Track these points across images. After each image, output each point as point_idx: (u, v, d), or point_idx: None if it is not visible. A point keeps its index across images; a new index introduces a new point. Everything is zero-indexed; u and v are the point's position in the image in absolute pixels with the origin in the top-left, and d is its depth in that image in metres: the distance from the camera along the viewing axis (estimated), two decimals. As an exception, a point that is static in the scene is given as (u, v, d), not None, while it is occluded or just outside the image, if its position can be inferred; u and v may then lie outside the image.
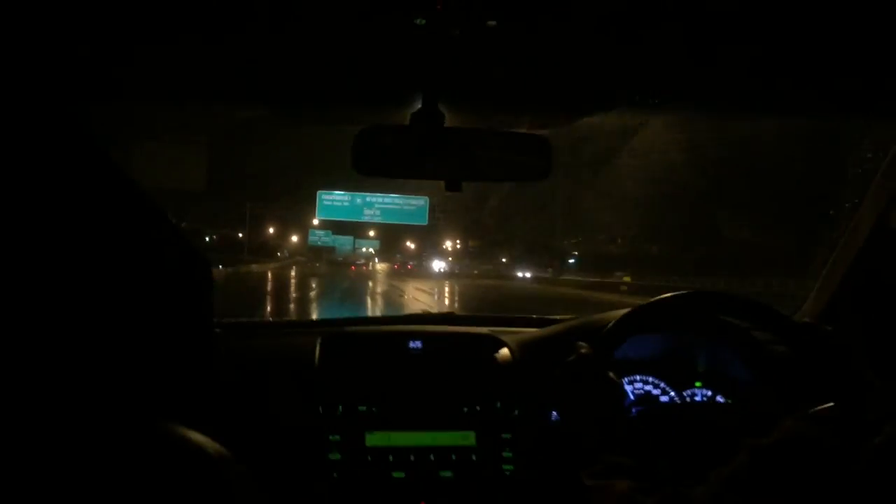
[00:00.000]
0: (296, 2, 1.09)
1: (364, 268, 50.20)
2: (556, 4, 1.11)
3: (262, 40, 1.25)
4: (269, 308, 15.99)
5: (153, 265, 0.65)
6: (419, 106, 1.39)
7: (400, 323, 1.96)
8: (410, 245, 58.49)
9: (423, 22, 1.12)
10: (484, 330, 1.82)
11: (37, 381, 0.55)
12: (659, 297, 1.49)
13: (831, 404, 0.92)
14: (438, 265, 47.50)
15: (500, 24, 1.15)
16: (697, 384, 1.81)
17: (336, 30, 1.19)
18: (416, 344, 1.72)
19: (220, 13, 1.13)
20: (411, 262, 52.97)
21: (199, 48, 1.30)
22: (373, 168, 1.48)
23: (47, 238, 0.55)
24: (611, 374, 1.36)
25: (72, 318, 0.56)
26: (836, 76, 1.35)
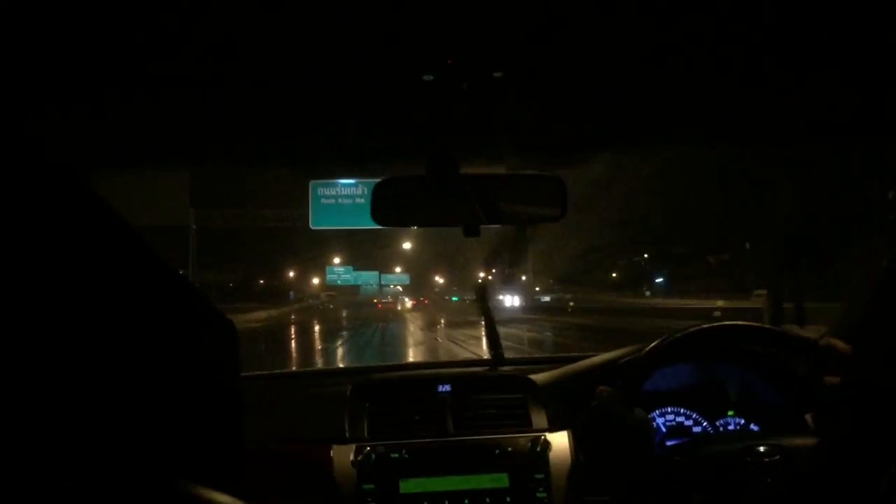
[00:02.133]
0: (307, 64, 1.15)
1: (390, 305, 43.88)
2: (557, 54, 1.15)
3: (277, 102, 1.31)
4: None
5: (179, 331, 0.67)
6: (434, 155, 1.43)
7: (427, 367, 1.98)
8: (439, 280, 53.47)
9: (432, 78, 1.17)
10: (509, 370, 1.83)
11: (66, 444, 0.56)
12: (682, 332, 1.49)
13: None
14: (511, 300, 34.51)
15: (505, 74, 1.19)
16: (730, 413, 1.80)
17: (348, 89, 1.24)
18: (445, 388, 1.73)
19: (238, 76, 1.19)
20: (425, 298, 47.29)
21: (214, 108, 1.35)
22: (392, 219, 1.52)
23: (76, 313, 0.57)
24: (636, 412, 1.36)
25: (101, 386, 0.59)
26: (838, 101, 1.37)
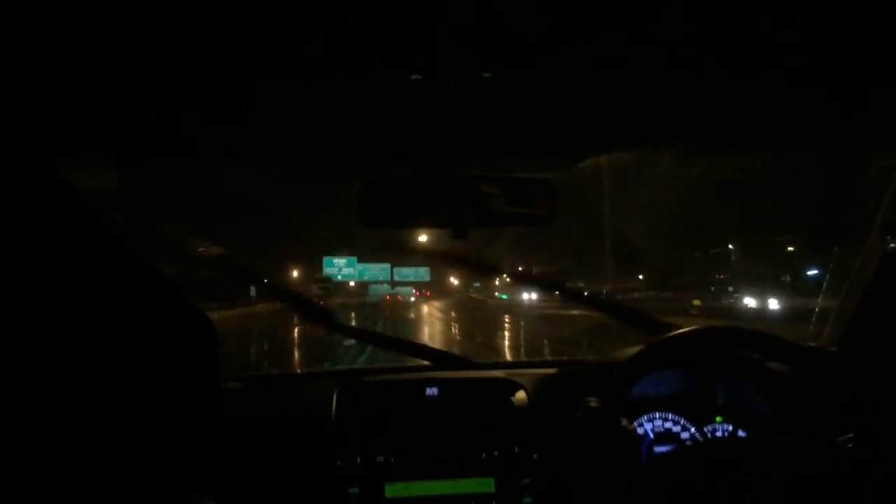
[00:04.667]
0: (294, 63, 1.13)
1: (398, 298, 37.58)
2: (546, 53, 1.14)
3: (263, 101, 1.29)
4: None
5: (156, 329, 0.65)
6: (422, 156, 1.42)
7: (415, 371, 1.96)
8: (454, 281, 48.64)
9: (419, 77, 1.15)
10: (499, 374, 1.81)
11: (49, 452, 0.55)
12: (665, 336, 1.47)
13: (846, 436, 0.91)
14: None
15: (494, 74, 1.17)
16: (718, 419, 1.79)
17: (334, 88, 1.22)
18: (432, 391, 1.72)
19: (222, 74, 1.17)
20: (428, 291, 43.91)
21: (200, 110, 1.33)
22: (379, 221, 1.50)
23: (44, 308, 0.56)
24: (623, 423, 1.34)
25: (79, 388, 0.57)
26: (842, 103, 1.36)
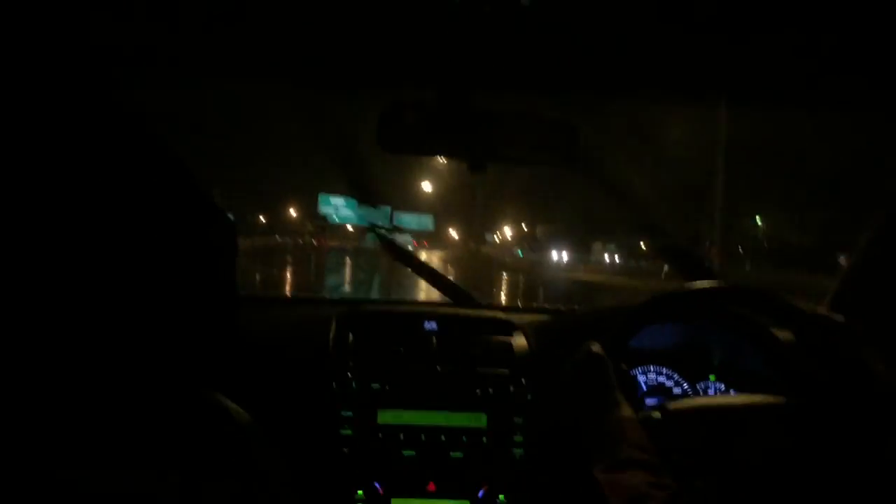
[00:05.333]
0: None
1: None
2: None
3: (291, 12, 1.24)
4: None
5: (179, 229, 0.65)
6: (447, 83, 1.38)
7: (416, 305, 1.96)
8: (454, 235, 47.82)
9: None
10: (500, 314, 1.81)
11: (75, 356, 0.55)
12: (673, 290, 1.47)
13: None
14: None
15: (533, 2, 1.13)
16: (711, 377, 1.80)
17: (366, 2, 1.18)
18: (431, 325, 1.72)
19: None
20: (425, 241, 41.72)
21: (220, 18, 1.29)
22: (397, 145, 1.47)
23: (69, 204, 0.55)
24: (623, 366, 1.35)
25: (103, 289, 0.56)
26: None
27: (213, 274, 0.69)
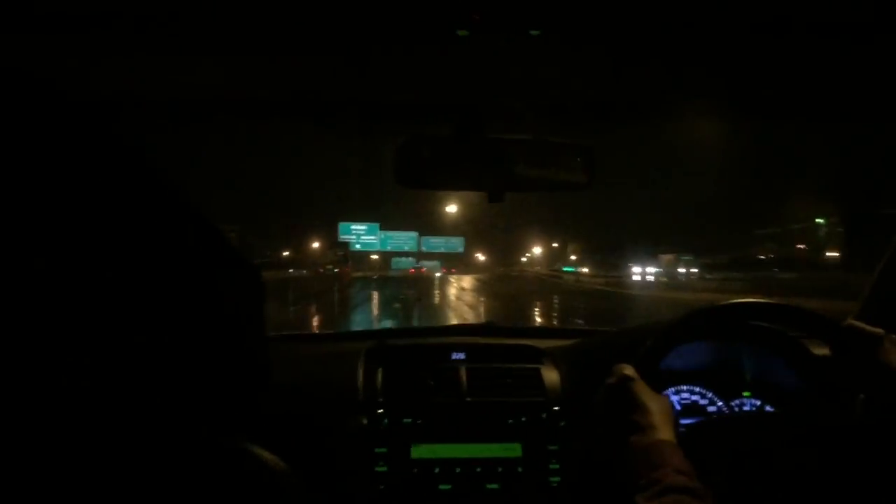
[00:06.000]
0: (339, 14, 1.10)
1: (423, 271, 34.31)
2: (597, 13, 1.10)
3: (307, 53, 1.27)
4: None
5: (208, 278, 0.65)
6: (461, 116, 1.39)
7: (441, 334, 1.95)
8: (481, 257, 47.86)
9: (466, 33, 1.12)
10: (526, 341, 1.81)
11: (111, 402, 0.55)
12: (699, 308, 1.45)
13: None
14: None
15: (543, 33, 1.14)
16: (746, 394, 1.77)
17: (379, 41, 1.20)
18: (459, 356, 1.71)
19: (263, 23, 1.15)
20: (453, 268, 41.93)
21: (240, 58, 1.32)
22: (415, 180, 1.48)
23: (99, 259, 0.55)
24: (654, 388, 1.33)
25: (139, 340, 0.57)
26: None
27: (241, 322, 0.70)
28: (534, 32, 1.13)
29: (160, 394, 0.59)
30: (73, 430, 0.53)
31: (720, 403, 1.76)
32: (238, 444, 0.69)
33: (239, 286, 0.71)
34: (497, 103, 1.48)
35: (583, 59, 1.27)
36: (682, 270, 30.13)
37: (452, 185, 1.55)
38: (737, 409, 1.76)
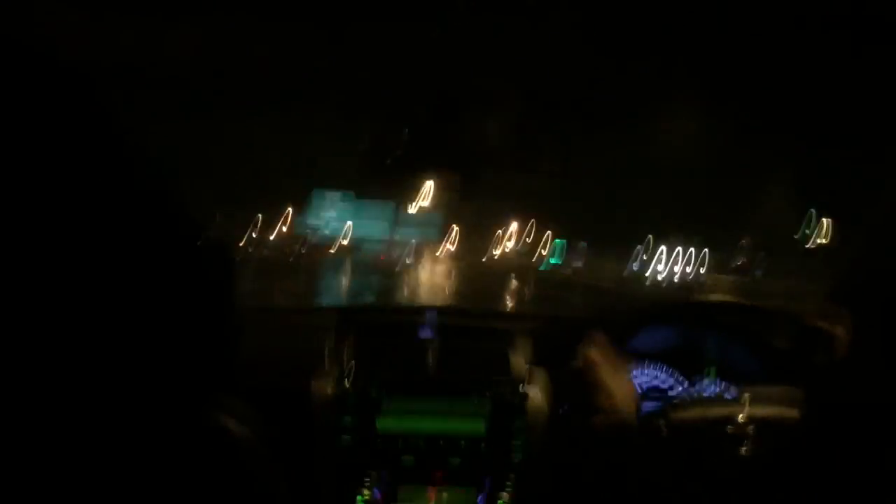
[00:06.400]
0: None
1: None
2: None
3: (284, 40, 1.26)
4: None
5: (178, 260, 0.67)
6: (437, 99, 1.39)
7: (412, 313, 1.97)
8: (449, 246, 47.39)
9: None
10: (495, 322, 1.83)
11: (81, 373, 0.56)
12: (672, 301, 1.48)
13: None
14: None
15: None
16: (710, 372, 1.79)
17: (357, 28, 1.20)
18: (427, 333, 1.73)
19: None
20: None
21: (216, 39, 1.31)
22: (392, 163, 1.49)
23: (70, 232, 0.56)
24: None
25: (108, 313, 0.58)
26: None
27: (213, 297, 0.71)
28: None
29: (138, 363, 0.60)
30: (52, 405, 0.54)
31: (685, 384, 1.80)
32: (204, 411, 0.71)
33: (211, 263, 0.72)
34: (471, 86, 1.48)
35: (566, 49, 1.28)
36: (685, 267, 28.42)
37: (429, 167, 1.56)
38: (697, 392, 1.80)
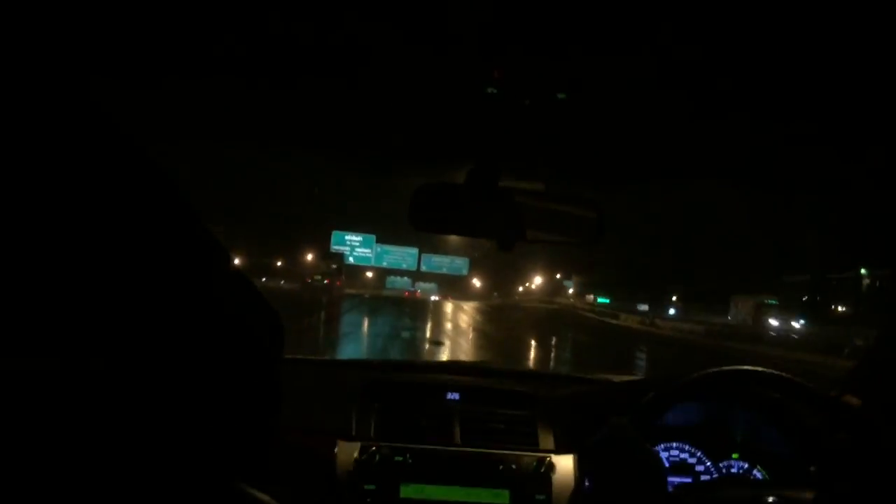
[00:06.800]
0: (375, 64, 1.13)
1: (417, 295, 31.80)
2: (622, 81, 1.14)
3: (340, 95, 1.30)
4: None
5: (238, 320, 0.67)
6: (479, 167, 1.42)
7: (438, 371, 1.96)
8: (476, 283, 46.86)
9: (494, 91, 1.16)
10: (522, 387, 1.82)
11: (115, 441, 0.56)
12: (700, 374, 1.46)
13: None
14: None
15: (568, 96, 1.18)
16: (734, 455, 1.79)
17: (411, 90, 1.23)
18: (454, 396, 1.72)
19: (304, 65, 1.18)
20: (448, 295, 39.60)
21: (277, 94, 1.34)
22: (428, 224, 1.50)
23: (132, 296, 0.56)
24: (648, 446, 1.34)
25: (159, 382, 0.58)
26: None
27: (257, 368, 0.71)
28: (560, 96, 1.16)
29: (166, 430, 0.60)
30: (94, 456, 0.54)
31: (709, 463, 1.77)
32: (234, 485, 0.70)
33: (261, 334, 0.72)
34: (512, 154, 1.51)
35: (602, 120, 1.31)
36: (774, 323, 24.13)
37: (463, 230, 1.57)
38: (724, 470, 1.77)
